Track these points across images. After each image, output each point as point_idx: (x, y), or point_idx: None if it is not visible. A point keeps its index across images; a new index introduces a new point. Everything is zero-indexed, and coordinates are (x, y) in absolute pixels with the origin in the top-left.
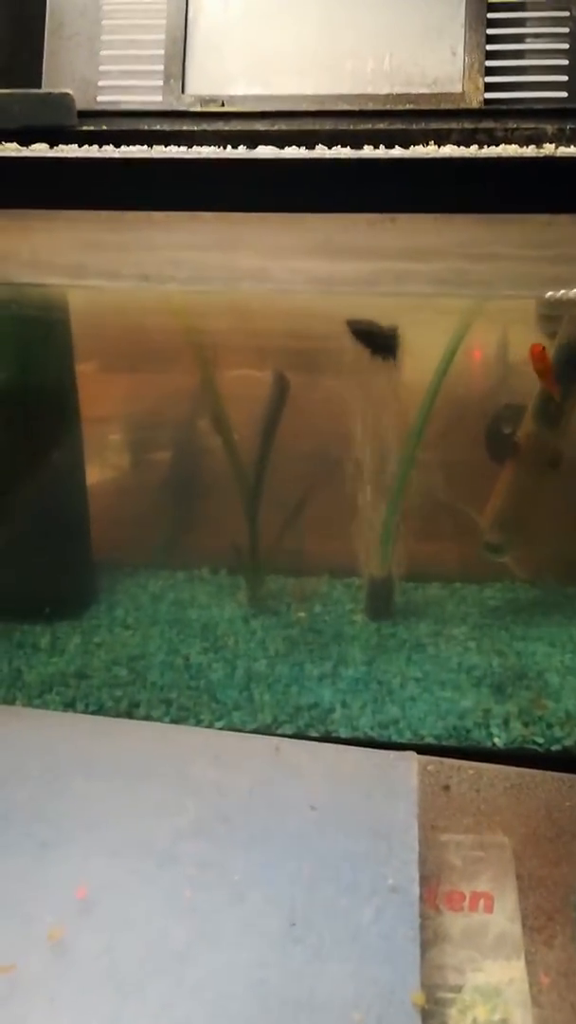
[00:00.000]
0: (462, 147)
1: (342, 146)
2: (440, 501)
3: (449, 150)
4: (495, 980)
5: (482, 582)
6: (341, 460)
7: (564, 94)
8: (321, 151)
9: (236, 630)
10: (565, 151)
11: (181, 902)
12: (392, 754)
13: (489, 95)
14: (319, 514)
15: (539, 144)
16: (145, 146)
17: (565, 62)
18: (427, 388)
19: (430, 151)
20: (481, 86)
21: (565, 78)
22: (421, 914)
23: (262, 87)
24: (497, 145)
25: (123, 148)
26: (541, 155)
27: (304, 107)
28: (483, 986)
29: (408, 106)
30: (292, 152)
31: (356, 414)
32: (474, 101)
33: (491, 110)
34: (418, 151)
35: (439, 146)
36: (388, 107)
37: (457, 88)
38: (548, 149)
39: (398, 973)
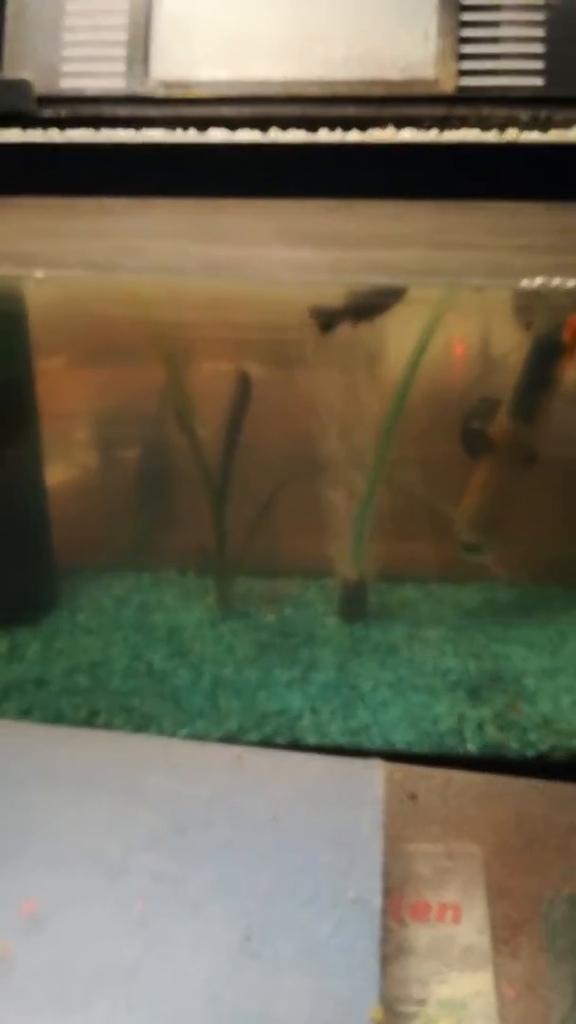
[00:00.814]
0: (421, 131)
1: (297, 129)
2: (415, 500)
3: (407, 134)
4: (460, 993)
5: (460, 582)
6: (312, 458)
7: (540, 81)
8: (275, 135)
9: (203, 634)
10: (528, 136)
11: (132, 916)
12: (358, 762)
13: (463, 82)
14: (292, 514)
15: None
16: (92, 130)
17: (541, 48)
18: (398, 382)
19: (387, 135)
20: (454, 72)
21: (541, 65)
22: (385, 926)
23: (229, 72)
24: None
25: (67, 132)
26: (503, 140)
27: (272, 92)
28: (448, 999)
29: (379, 92)
30: (244, 136)
31: (326, 410)
32: (447, 87)
33: (464, 96)
34: (375, 135)
35: (397, 129)
36: (359, 93)
37: (429, 74)
38: (511, 134)
39: (357, 988)
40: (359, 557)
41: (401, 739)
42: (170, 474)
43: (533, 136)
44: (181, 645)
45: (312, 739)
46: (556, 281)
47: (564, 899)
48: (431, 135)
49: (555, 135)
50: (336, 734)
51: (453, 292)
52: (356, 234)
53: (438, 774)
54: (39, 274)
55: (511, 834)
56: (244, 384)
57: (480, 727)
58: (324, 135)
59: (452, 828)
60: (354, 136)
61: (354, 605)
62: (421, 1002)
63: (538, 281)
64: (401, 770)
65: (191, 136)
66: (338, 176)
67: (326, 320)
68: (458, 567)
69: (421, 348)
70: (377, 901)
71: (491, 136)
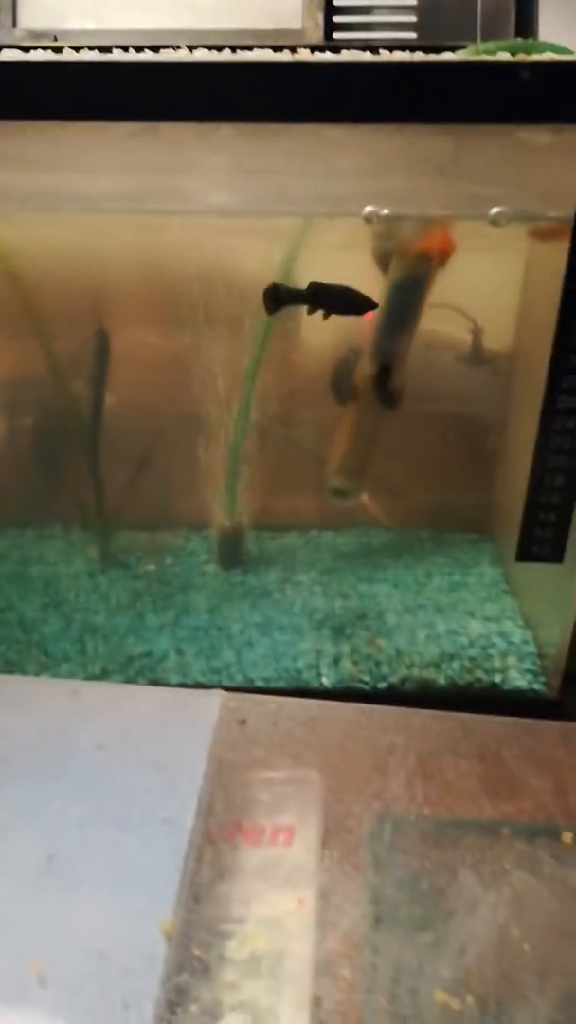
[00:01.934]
0: (215, 52)
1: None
2: (289, 448)
3: (201, 54)
4: (279, 911)
5: (338, 529)
6: (185, 410)
7: (413, 34)
8: (68, 54)
9: (79, 585)
10: (322, 57)
11: None
12: (195, 693)
13: (335, 34)
14: (173, 467)
15: None
16: None
17: (414, 1)
18: (256, 328)
19: (181, 55)
20: (321, 23)
21: (414, 18)
22: (215, 850)
23: (97, 22)
24: None
25: None
26: (298, 60)
27: (140, 42)
28: (266, 917)
29: (246, 42)
30: (35, 54)
31: (194, 361)
32: (313, 37)
33: (333, 48)
34: (168, 54)
35: None
36: (226, 43)
37: (296, 25)
38: (305, 54)
39: (154, 903)
40: (232, 506)
41: (259, 676)
42: (55, 430)
43: (328, 57)
44: (56, 595)
45: (174, 679)
46: (369, 208)
47: (373, 815)
48: (225, 55)
49: (350, 55)
50: (198, 673)
51: (307, 228)
52: (158, 160)
53: (271, 701)
54: None
55: (334, 755)
56: (102, 339)
57: (336, 662)
58: (117, 55)
59: (278, 750)
60: (147, 56)
61: (232, 553)
62: (241, 921)
63: (350, 209)
64: (236, 699)
65: None
66: (134, 98)
67: (276, 302)
68: (338, 514)
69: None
70: (189, 821)
71: (286, 56)
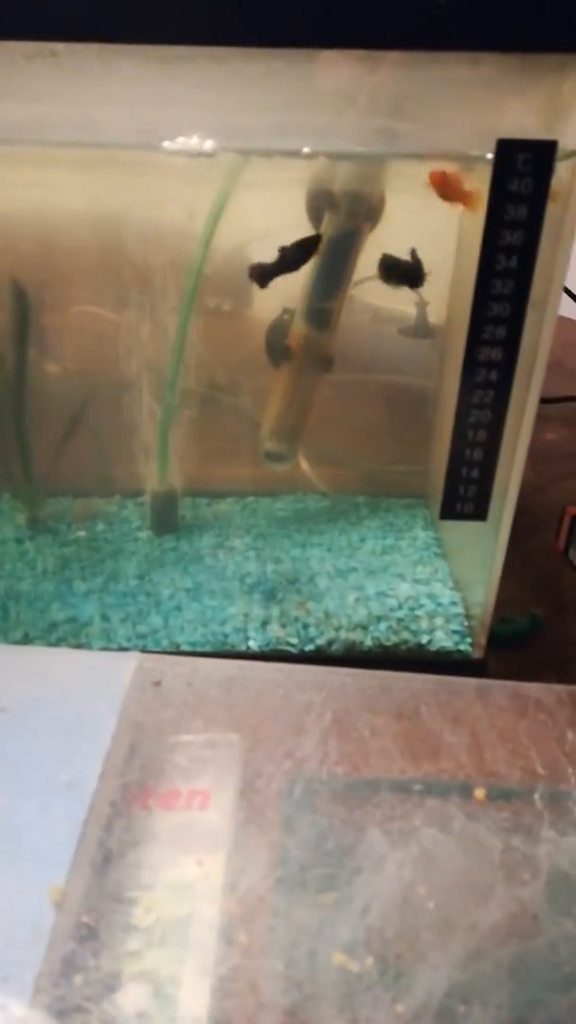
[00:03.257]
0: None
1: None
2: (226, 413)
3: None
4: (189, 876)
5: (276, 495)
6: (116, 372)
7: None
8: None
9: (5, 552)
10: None
11: None
12: (111, 655)
13: None
14: (107, 432)
15: None
16: None
17: None
18: (184, 286)
19: None
20: None
21: None
22: (127, 815)
23: None
24: None
25: None
26: None
27: None
28: (175, 882)
29: None
30: None
31: (123, 324)
32: None
33: None
34: None
35: None
36: None
37: None
38: None
39: (47, 868)
40: (165, 471)
41: (186, 640)
42: None
43: None
44: None
45: (98, 644)
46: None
47: (285, 774)
48: None
49: None
50: (122, 639)
51: (241, 169)
52: (62, 88)
53: (186, 662)
54: None
55: (248, 715)
56: (19, 295)
57: (264, 625)
58: None
59: (191, 712)
60: None
61: (165, 518)
62: (148, 887)
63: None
64: (151, 659)
65: None
66: (30, 12)
67: (264, 276)
68: (272, 480)
69: (210, 232)
70: (91, 785)
71: None
